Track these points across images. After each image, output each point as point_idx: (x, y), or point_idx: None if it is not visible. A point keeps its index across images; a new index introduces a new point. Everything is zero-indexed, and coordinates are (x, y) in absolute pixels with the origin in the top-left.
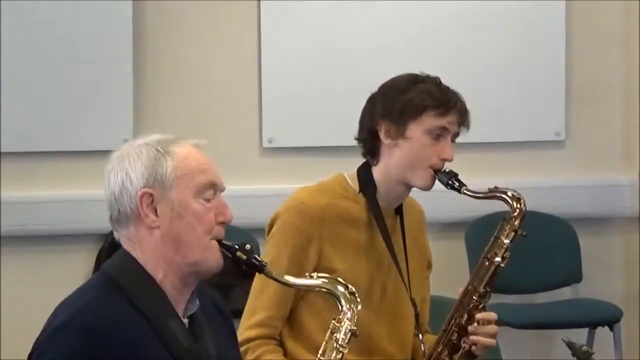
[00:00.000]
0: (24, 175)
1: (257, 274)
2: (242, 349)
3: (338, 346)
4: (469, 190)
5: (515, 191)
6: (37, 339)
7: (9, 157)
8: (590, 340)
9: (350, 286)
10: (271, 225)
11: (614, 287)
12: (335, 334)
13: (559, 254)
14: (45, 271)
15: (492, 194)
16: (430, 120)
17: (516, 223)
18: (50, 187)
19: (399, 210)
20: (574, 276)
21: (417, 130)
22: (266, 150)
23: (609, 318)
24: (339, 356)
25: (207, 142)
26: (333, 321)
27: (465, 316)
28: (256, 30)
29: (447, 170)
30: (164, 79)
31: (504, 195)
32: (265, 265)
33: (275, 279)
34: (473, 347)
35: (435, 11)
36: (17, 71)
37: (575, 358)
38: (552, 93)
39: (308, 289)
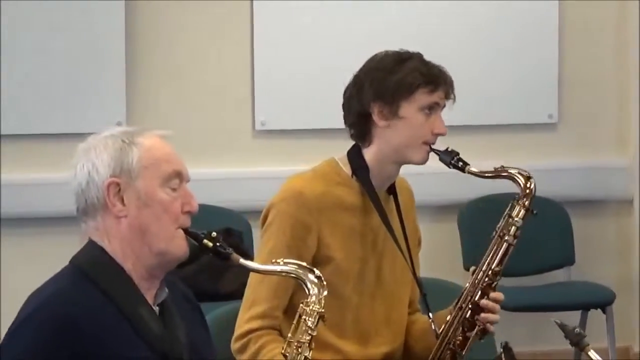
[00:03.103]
0: (24, 158)
1: None
2: (243, 340)
3: (307, 328)
4: (473, 169)
5: (523, 170)
6: (8, 329)
7: (10, 139)
8: (583, 323)
9: (316, 270)
10: (266, 215)
11: (606, 270)
12: (303, 317)
13: (552, 236)
14: (46, 253)
15: (499, 173)
16: (422, 98)
17: (527, 203)
18: (51, 169)
19: (391, 190)
20: (567, 259)
21: (410, 108)
22: (259, 133)
23: (602, 301)
24: (308, 338)
25: (200, 125)
26: (301, 305)
27: (479, 294)
28: (249, 15)
29: (448, 150)
30: (157, 62)
31: (512, 174)
32: (231, 253)
33: (242, 266)
34: (487, 325)
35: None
36: (18, 57)
37: (567, 340)
38: (545, 75)
39: (274, 274)
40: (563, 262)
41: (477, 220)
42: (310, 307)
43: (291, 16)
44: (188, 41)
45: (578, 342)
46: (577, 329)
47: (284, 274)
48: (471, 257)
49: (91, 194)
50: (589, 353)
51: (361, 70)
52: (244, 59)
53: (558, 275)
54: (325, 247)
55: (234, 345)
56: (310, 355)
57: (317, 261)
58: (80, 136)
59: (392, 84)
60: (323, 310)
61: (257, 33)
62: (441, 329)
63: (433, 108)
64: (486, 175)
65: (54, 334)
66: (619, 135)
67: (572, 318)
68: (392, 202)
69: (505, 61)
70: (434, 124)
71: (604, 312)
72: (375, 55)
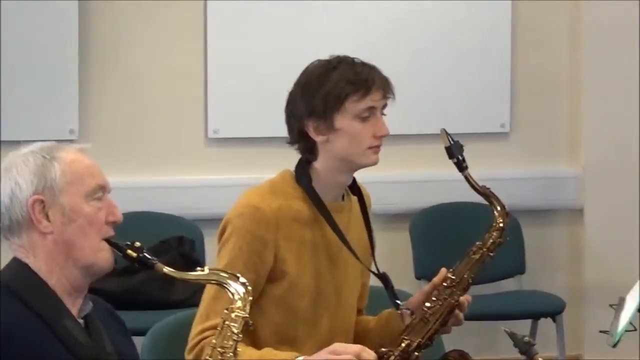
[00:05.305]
0: None
1: None
2: (196, 349)
3: (231, 334)
4: (469, 174)
5: (504, 204)
6: None
7: None
8: (533, 332)
9: (240, 276)
10: (222, 231)
11: (557, 279)
12: (227, 322)
13: (503, 245)
14: None
15: (486, 192)
16: (354, 106)
17: (495, 235)
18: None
19: (354, 192)
20: (518, 268)
21: (344, 119)
22: (211, 141)
23: (552, 309)
24: (232, 344)
25: (152, 132)
26: (225, 311)
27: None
28: (202, 23)
29: (459, 144)
30: (110, 69)
31: (494, 202)
32: (155, 262)
33: (166, 275)
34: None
35: (382, 7)
36: None
37: (517, 349)
38: (497, 85)
39: (198, 281)
40: (514, 271)
41: (429, 229)
42: (235, 313)
43: (245, 23)
44: (141, 48)
45: (527, 351)
46: (527, 338)
47: (212, 281)
48: (422, 266)
49: (16, 212)
50: None
51: (294, 86)
52: (196, 66)
53: (509, 284)
54: (281, 262)
55: (188, 357)
56: None
57: (273, 276)
58: (31, 144)
59: (320, 97)
60: (248, 316)
61: (210, 40)
62: (426, 314)
63: (370, 112)
64: (475, 186)
65: None
66: (570, 145)
67: (522, 327)
68: (349, 209)
69: (457, 70)
70: (374, 127)
71: (554, 320)
72: (306, 67)
